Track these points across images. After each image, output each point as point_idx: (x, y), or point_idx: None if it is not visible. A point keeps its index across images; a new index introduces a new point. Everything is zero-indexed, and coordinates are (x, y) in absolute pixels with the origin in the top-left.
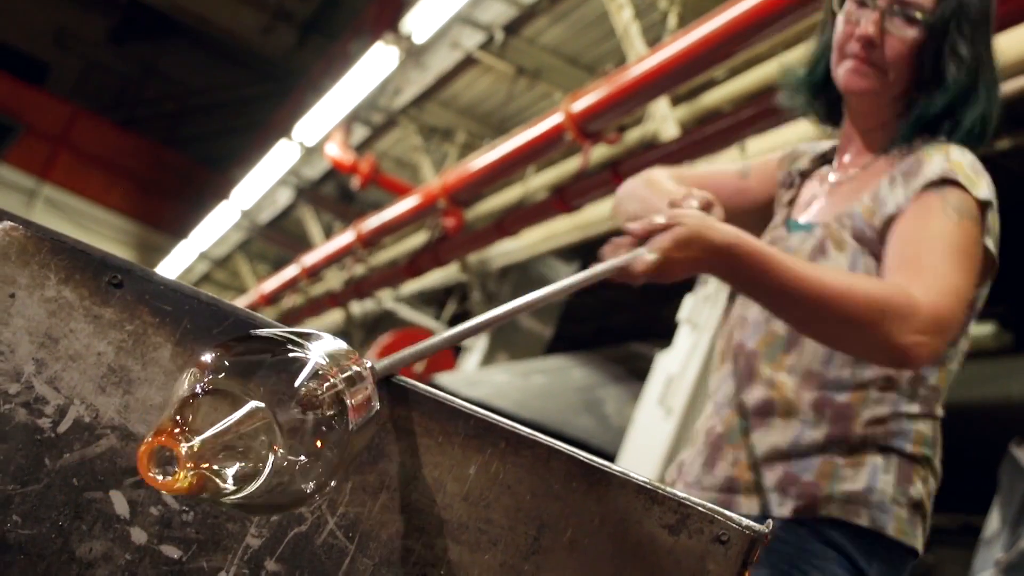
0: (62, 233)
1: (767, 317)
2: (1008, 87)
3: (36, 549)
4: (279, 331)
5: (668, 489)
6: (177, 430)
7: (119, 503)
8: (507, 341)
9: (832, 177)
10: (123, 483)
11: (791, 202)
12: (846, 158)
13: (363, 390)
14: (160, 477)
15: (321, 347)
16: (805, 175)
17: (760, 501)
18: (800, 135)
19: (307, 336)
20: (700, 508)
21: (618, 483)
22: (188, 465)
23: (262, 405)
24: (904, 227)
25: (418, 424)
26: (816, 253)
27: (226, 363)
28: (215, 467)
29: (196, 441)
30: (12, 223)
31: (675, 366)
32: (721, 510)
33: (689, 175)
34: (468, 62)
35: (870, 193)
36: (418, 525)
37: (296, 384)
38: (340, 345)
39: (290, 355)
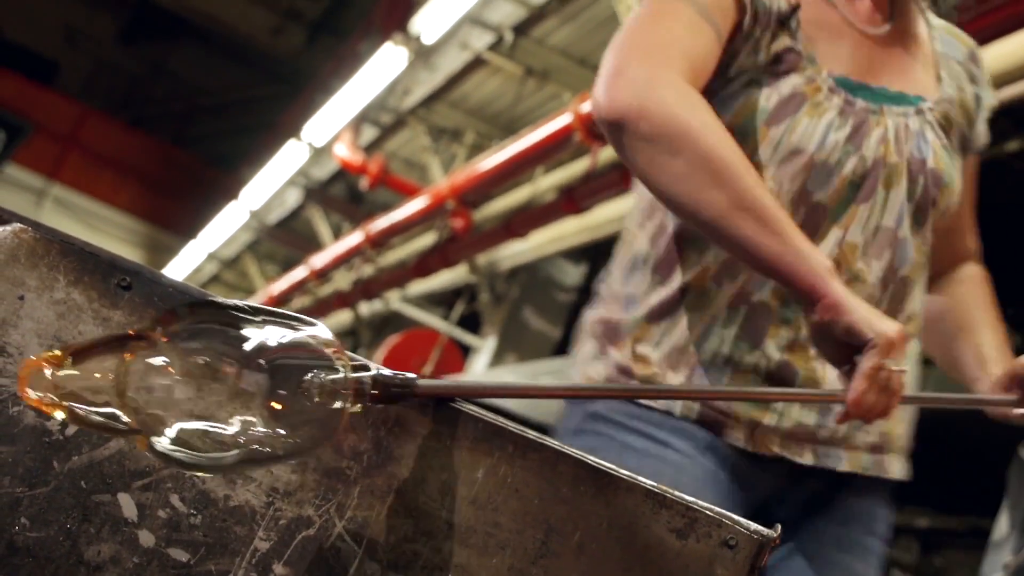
0: (71, 235)
1: None
2: (1017, 90)
3: (44, 552)
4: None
5: (676, 493)
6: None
7: (127, 506)
8: (516, 342)
9: (871, 30)
10: (131, 486)
11: (791, 52)
12: None
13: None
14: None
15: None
16: (788, 15)
17: None
18: None
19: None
20: (708, 512)
21: (626, 487)
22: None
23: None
24: None
25: (425, 427)
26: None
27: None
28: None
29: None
30: (21, 225)
31: None
32: (729, 514)
33: (697, 62)
34: (477, 63)
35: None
36: (426, 529)
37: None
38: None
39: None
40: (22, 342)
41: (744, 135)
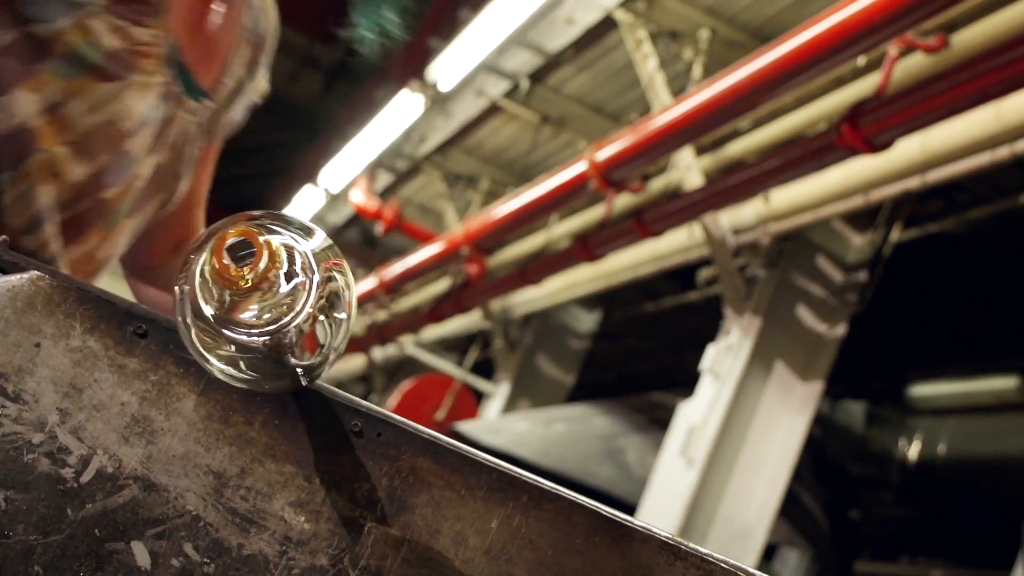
0: (87, 283)
1: None
2: None
3: None
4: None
5: (691, 545)
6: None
7: (140, 554)
8: (529, 389)
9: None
10: (145, 534)
11: None
12: None
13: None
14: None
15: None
16: None
17: None
18: (825, 187)
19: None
20: (724, 565)
21: (641, 538)
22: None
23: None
24: None
25: (440, 477)
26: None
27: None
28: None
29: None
30: (38, 272)
31: (697, 416)
32: (745, 567)
33: None
34: (493, 110)
35: None
36: None
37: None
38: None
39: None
40: (38, 389)
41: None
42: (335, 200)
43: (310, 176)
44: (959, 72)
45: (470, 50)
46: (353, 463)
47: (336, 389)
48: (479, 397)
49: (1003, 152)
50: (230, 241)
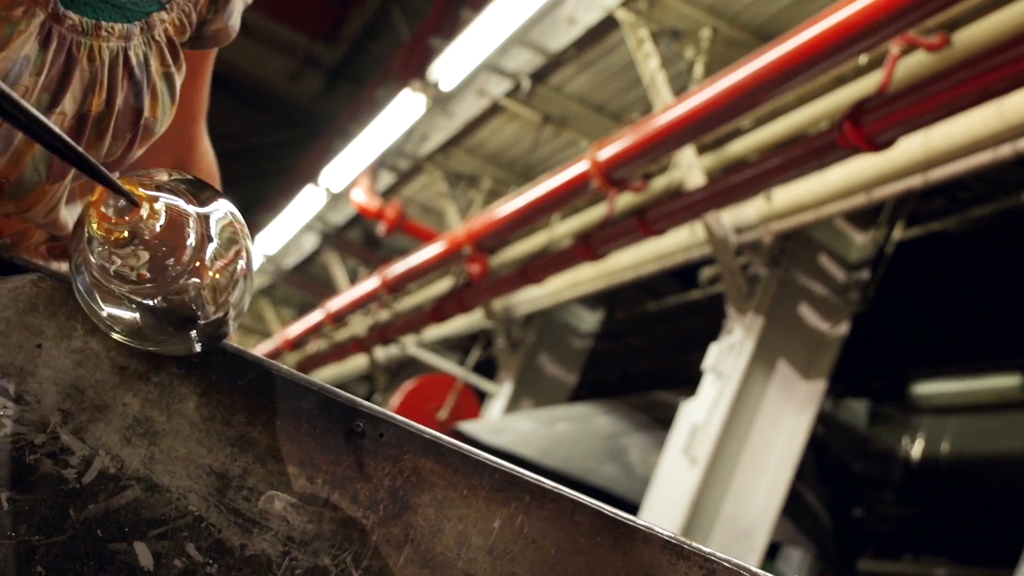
0: None
1: None
2: None
3: None
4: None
5: (694, 544)
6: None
7: (143, 555)
8: (531, 388)
9: None
10: (147, 535)
11: None
12: None
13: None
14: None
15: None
16: None
17: None
18: (827, 186)
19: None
20: (726, 564)
21: (643, 538)
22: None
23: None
24: None
25: (442, 477)
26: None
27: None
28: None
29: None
30: (39, 274)
31: (700, 415)
32: (749, 567)
33: None
34: (494, 109)
35: None
36: None
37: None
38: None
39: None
40: (40, 390)
41: None
42: (337, 200)
43: (311, 176)
44: (961, 70)
45: (472, 50)
46: (356, 463)
47: (338, 389)
48: (481, 397)
49: (1005, 150)
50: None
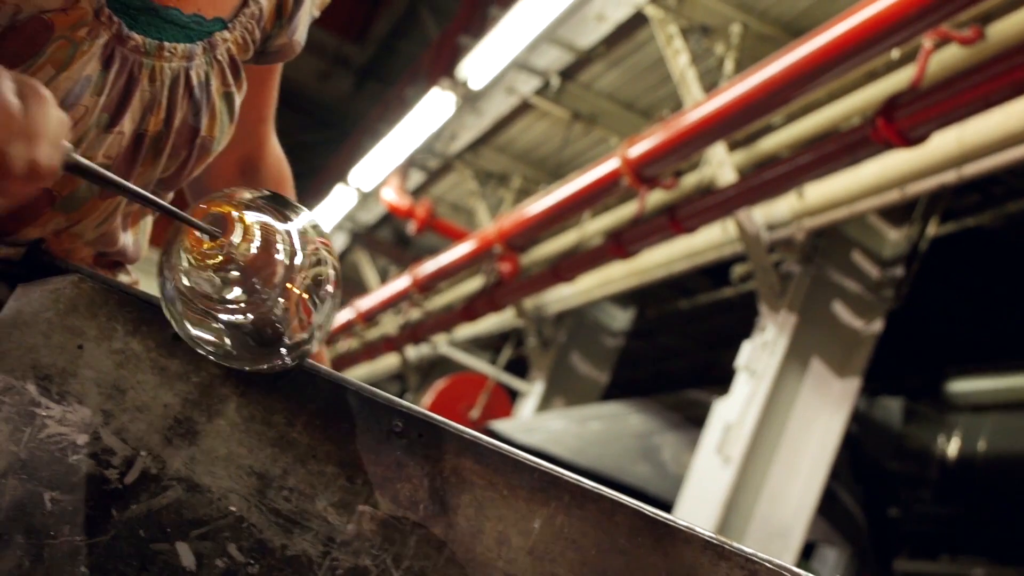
0: (129, 285)
1: None
2: None
3: None
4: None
5: (735, 545)
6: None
7: (185, 555)
8: (563, 387)
9: None
10: (189, 535)
11: None
12: None
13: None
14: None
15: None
16: None
17: None
18: (860, 182)
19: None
20: (768, 564)
21: (684, 538)
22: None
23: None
24: None
25: (482, 477)
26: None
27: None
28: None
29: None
30: (80, 275)
31: (733, 414)
32: (790, 567)
33: None
34: (524, 107)
35: None
36: None
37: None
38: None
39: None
40: (81, 391)
41: None
42: (367, 199)
43: (341, 175)
44: (995, 64)
45: (501, 48)
46: (395, 463)
47: (376, 389)
48: (513, 396)
49: None
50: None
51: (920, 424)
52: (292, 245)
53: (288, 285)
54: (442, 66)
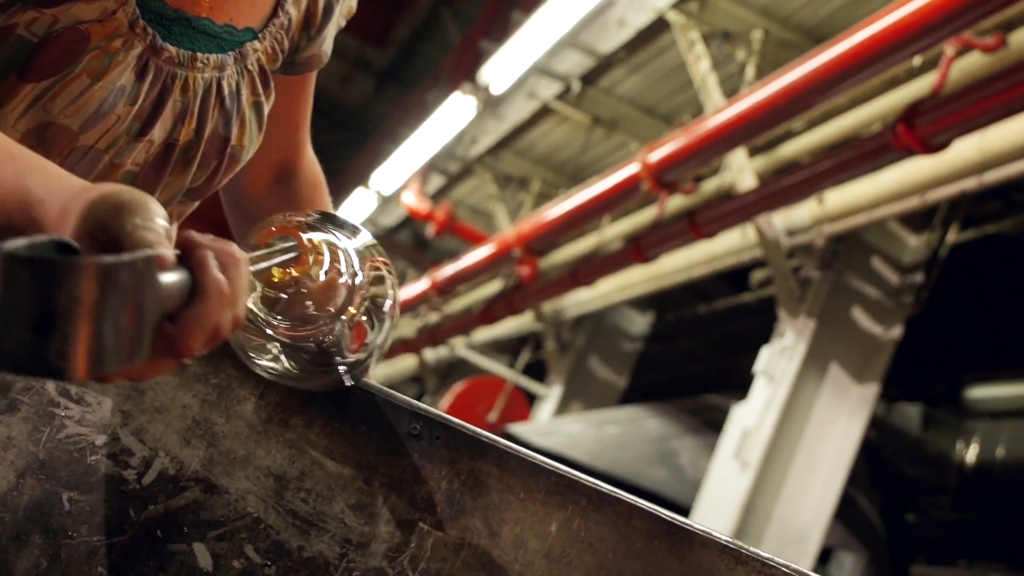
0: None
1: None
2: None
3: None
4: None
5: (752, 549)
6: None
7: (202, 556)
8: (581, 391)
9: None
10: (206, 536)
11: None
12: None
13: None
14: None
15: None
16: None
17: None
18: (880, 188)
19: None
20: (785, 569)
21: (701, 542)
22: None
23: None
24: None
25: (499, 480)
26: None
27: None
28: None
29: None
30: None
31: (751, 419)
32: (808, 572)
33: None
34: (544, 112)
35: None
36: None
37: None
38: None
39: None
40: (100, 391)
41: None
42: (387, 202)
43: (362, 179)
44: (1017, 71)
45: (522, 52)
46: (412, 466)
47: (394, 392)
48: (531, 399)
49: None
50: (273, 239)
51: (938, 430)
52: (353, 266)
53: (349, 306)
54: (463, 70)
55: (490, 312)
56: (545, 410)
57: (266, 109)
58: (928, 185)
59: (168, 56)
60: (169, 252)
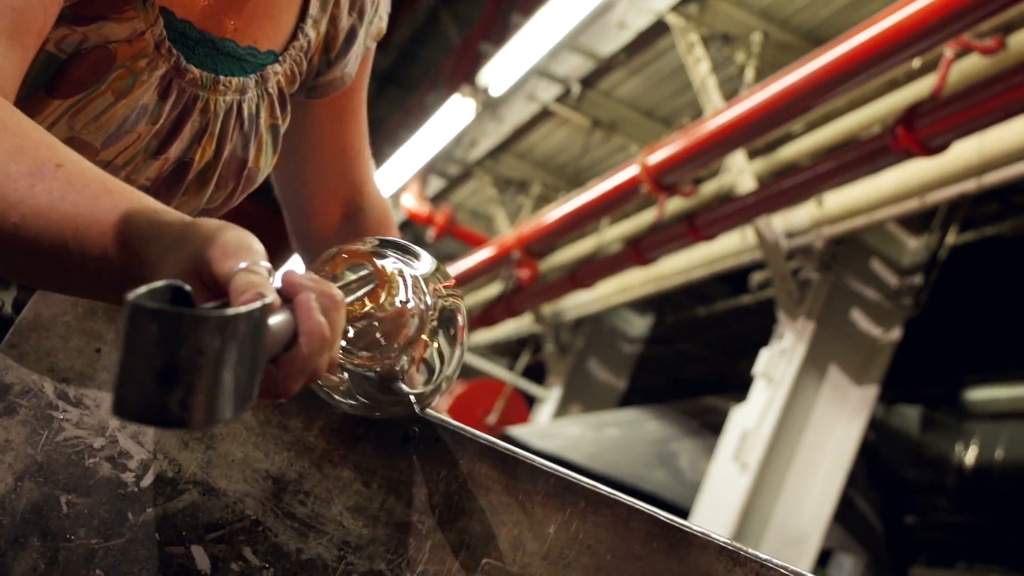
0: None
1: None
2: None
3: None
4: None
5: (750, 551)
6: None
7: (200, 558)
8: (580, 393)
9: None
10: (205, 538)
11: None
12: None
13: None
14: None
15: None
16: None
17: None
18: (880, 190)
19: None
20: (783, 571)
21: (699, 544)
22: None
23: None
24: None
25: (498, 482)
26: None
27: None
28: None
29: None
30: None
31: (750, 421)
32: (806, 573)
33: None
34: (544, 114)
35: None
36: None
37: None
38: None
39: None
40: (99, 394)
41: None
42: None
43: None
44: (1016, 74)
45: (521, 55)
46: (411, 468)
47: None
48: (530, 402)
49: None
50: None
51: (938, 432)
52: (423, 295)
53: (419, 335)
54: (463, 73)
55: (489, 314)
56: (544, 412)
57: (282, 131)
58: (927, 187)
59: (191, 78)
60: (276, 297)
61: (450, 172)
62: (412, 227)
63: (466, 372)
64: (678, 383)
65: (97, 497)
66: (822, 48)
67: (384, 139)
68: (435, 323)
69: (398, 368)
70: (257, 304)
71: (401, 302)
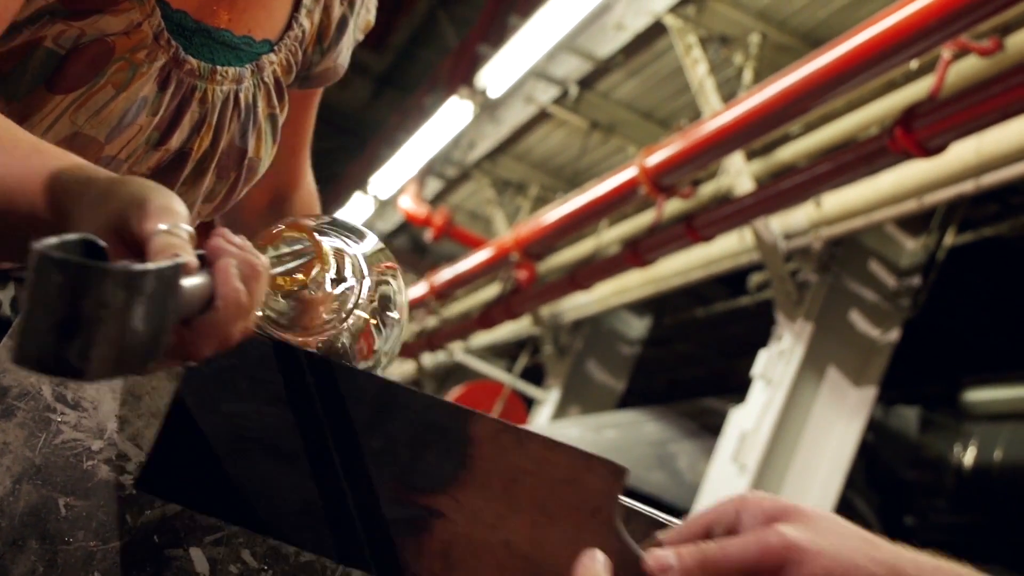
0: None
1: None
2: None
3: None
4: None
5: None
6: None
7: (199, 561)
8: (579, 395)
9: None
10: (203, 541)
11: None
12: None
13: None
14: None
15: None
16: None
17: None
18: (878, 191)
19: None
20: None
21: None
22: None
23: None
24: None
25: None
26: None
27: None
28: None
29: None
30: None
31: (749, 422)
32: None
33: None
34: (542, 116)
35: None
36: None
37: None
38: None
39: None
40: (97, 397)
41: (15, 92)
42: (385, 207)
43: (360, 183)
44: (1014, 74)
45: (519, 56)
46: None
47: None
48: (529, 403)
49: None
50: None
51: (936, 433)
52: (361, 271)
53: (356, 311)
54: (461, 75)
55: (488, 316)
56: (543, 414)
57: (280, 121)
58: (925, 188)
59: (190, 69)
60: (193, 259)
61: (448, 174)
62: (410, 228)
63: (464, 374)
64: (677, 384)
65: (95, 500)
66: (820, 49)
67: (382, 141)
68: (375, 301)
69: (339, 345)
70: (168, 263)
71: (337, 277)
